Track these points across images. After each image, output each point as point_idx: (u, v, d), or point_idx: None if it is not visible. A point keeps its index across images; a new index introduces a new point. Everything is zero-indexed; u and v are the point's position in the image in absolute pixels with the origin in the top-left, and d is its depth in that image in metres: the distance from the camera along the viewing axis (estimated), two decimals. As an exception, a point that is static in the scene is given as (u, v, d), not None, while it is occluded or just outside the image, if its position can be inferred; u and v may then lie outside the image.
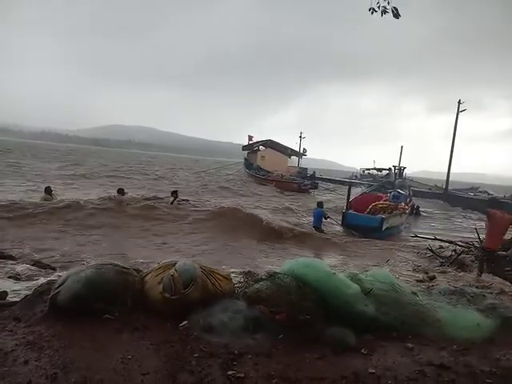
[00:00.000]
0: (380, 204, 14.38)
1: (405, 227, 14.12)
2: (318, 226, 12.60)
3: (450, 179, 31.70)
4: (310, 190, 30.28)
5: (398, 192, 18.67)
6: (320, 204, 13.22)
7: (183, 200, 14.60)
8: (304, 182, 31.14)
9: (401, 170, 28.52)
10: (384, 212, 13.66)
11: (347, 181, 40.16)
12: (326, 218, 12.93)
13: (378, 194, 16.58)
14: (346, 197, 14.80)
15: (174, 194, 14.43)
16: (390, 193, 17.84)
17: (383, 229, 12.75)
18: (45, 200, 11.55)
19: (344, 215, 13.28)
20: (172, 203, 13.97)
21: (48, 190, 11.88)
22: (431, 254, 9.78)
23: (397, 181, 23.73)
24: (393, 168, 29.21)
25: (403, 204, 16.26)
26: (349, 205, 14.02)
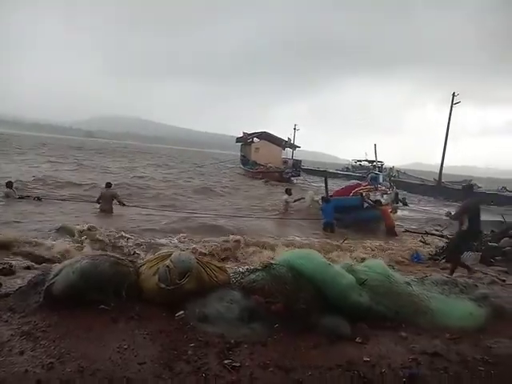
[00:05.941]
0: (361, 189, 14.53)
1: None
2: (331, 221, 11.57)
3: (446, 172, 31.64)
4: (292, 178, 29.90)
5: (375, 173, 18.84)
6: (326, 199, 12.44)
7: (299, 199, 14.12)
8: (285, 170, 30.63)
9: (380, 165, 29.01)
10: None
11: (332, 171, 39.71)
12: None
13: (358, 182, 16.77)
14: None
15: (289, 191, 13.80)
16: (368, 175, 18.00)
17: (365, 206, 12.77)
18: (7, 194, 11.37)
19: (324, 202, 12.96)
20: (293, 201, 13.40)
21: (9, 185, 11.63)
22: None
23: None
24: (371, 162, 29.21)
25: (383, 187, 16.41)
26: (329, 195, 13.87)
